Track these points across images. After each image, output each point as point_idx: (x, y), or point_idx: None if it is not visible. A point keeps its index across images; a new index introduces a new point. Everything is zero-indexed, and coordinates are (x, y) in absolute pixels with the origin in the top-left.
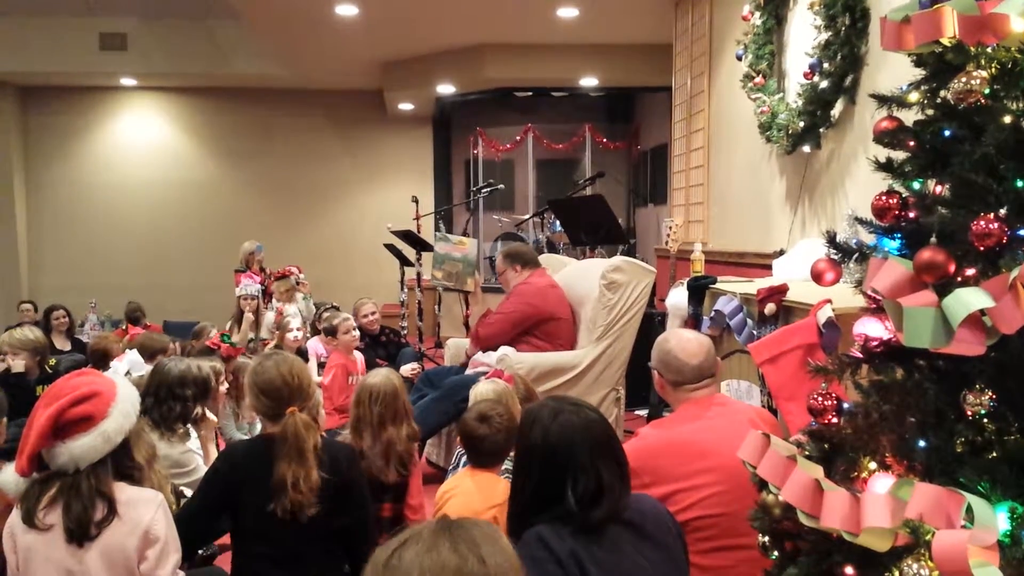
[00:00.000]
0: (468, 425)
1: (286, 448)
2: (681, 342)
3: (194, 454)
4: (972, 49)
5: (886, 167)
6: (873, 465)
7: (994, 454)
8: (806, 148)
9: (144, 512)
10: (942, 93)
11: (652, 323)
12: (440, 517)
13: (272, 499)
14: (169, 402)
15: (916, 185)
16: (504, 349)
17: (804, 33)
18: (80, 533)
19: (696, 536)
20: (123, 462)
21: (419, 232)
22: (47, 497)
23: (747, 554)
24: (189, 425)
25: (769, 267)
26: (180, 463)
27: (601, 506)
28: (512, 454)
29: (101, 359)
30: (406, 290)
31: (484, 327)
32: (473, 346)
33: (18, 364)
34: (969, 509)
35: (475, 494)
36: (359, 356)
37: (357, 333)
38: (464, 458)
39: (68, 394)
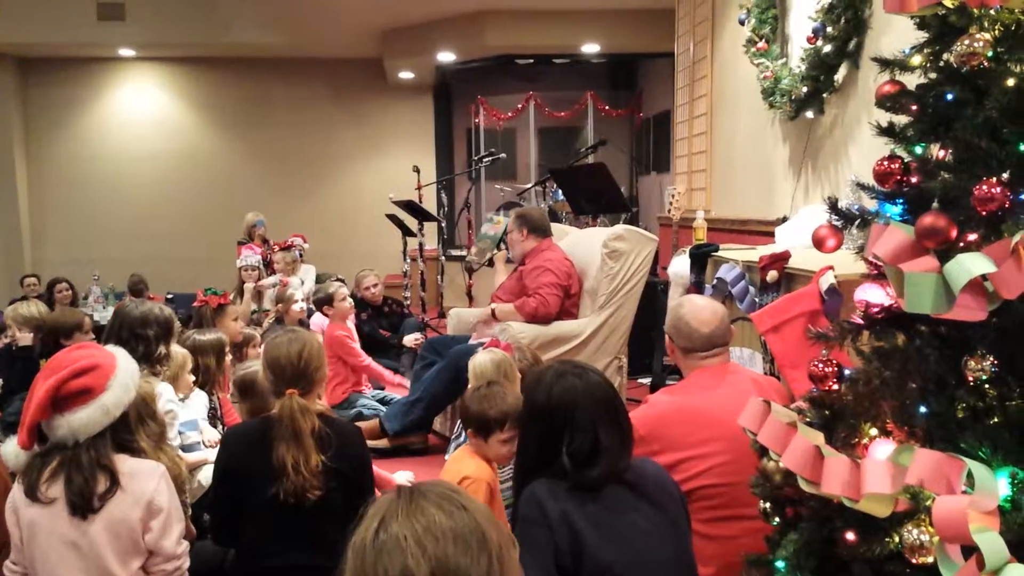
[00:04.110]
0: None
1: (282, 430)
2: (694, 309)
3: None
4: (975, 11)
5: (888, 132)
6: (874, 431)
7: (995, 420)
8: (809, 114)
9: (147, 483)
10: (945, 56)
11: (655, 292)
12: (398, 488)
13: (274, 482)
14: (131, 342)
15: (918, 150)
16: None
17: None
18: (83, 506)
19: (702, 505)
20: (123, 435)
21: (421, 202)
22: (48, 470)
23: (752, 524)
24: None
25: (772, 234)
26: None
27: (597, 465)
28: None
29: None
30: (408, 260)
31: (539, 306)
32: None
33: (25, 337)
34: (970, 475)
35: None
36: (351, 326)
37: (351, 301)
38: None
39: (67, 366)
